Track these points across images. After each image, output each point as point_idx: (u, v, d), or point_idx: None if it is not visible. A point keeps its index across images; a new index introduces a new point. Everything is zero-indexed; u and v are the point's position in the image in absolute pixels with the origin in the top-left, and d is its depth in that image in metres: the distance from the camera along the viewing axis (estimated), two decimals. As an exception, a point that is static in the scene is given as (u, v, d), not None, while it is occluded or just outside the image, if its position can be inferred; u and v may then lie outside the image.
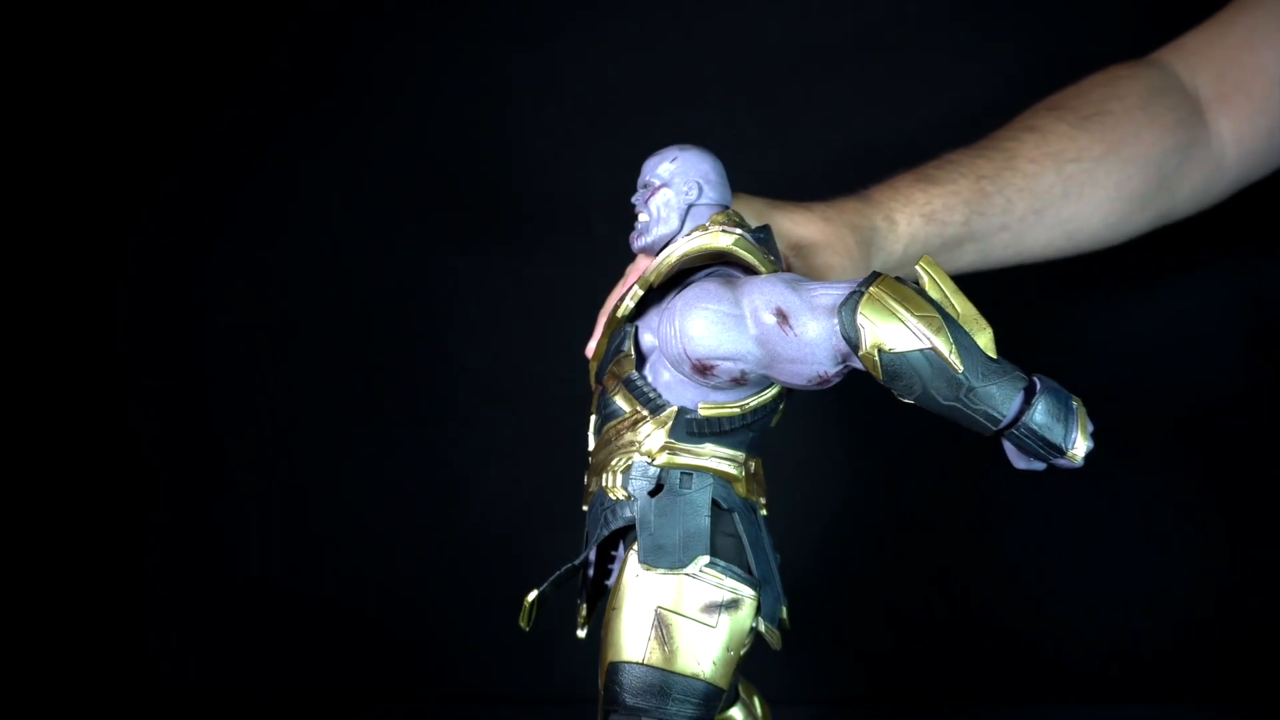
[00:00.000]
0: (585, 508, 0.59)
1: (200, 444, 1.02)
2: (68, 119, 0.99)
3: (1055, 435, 0.49)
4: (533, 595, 0.57)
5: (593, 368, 0.62)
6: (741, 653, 0.56)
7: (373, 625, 1.01)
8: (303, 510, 1.02)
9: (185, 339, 1.01)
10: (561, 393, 0.96)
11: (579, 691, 0.91)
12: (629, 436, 0.56)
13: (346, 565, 1.01)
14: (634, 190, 0.60)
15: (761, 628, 0.55)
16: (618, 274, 1.00)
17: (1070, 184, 0.76)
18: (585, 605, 0.60)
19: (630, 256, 0.63)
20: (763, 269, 0.55)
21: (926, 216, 0.73)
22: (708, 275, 0.57)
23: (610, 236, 0.96)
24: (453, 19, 0.98)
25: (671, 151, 0.59)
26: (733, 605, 0.54)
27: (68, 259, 1.00)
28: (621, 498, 0.55)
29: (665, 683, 0.54)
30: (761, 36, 0.98)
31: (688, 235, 0.57)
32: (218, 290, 1.01)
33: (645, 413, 0.56)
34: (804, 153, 0.99)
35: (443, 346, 1.01)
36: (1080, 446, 0.50)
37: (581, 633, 0.60)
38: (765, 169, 0.91)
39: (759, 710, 0.62)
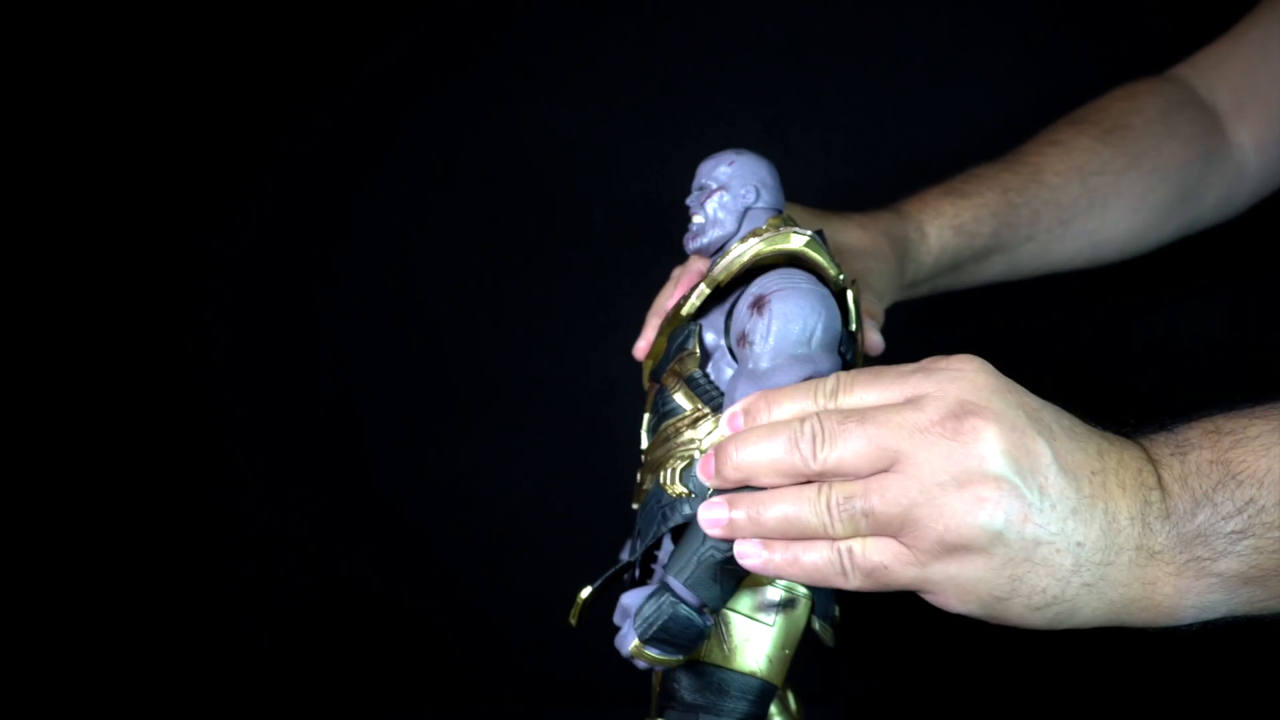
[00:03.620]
0: (635, 505, 0.59)
1: (207, 442, 1.01)
2: (102, 121, 0.98)
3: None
4: (586, 592, 0.56)
5: (647, 367, 0.62)
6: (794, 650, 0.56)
7: (374, 625, 1.01)
8: (304, 510, 1.01)
9: (192, 336, 1.00)
10: (567, 391, 0.98)
11: (580, 692, 0.92)
12: (689, 434, 0.56)
13: (348, 565, 1.01)
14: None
15: (816, 626, 0.56)
16: (619, 274, 1.00)
17: (1095, 196, 0.78)
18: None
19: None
20: (830, 270, 0.56)
21: (956, 229, 0.75)
22: (776, 274, 0.56)
23: (608, 236, 0.97)
24: (456, 20, 0.98)
25: (729, 155, 0.59)
26: (789, 604, 0.55)
27: (74, 256, 0.99)
28: (681, 494, 0.55)
29: (723, 680, 0.54)
30: (771, 38, 0.97)
31: (746, 238, 0.57)
32: (225, 288, 1.00)
33: (707, 410, 0.56)
34: (808, 158, 0.98)
35: (444, 347, 1.01)
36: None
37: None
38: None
39: (793, 706, 0.62)
